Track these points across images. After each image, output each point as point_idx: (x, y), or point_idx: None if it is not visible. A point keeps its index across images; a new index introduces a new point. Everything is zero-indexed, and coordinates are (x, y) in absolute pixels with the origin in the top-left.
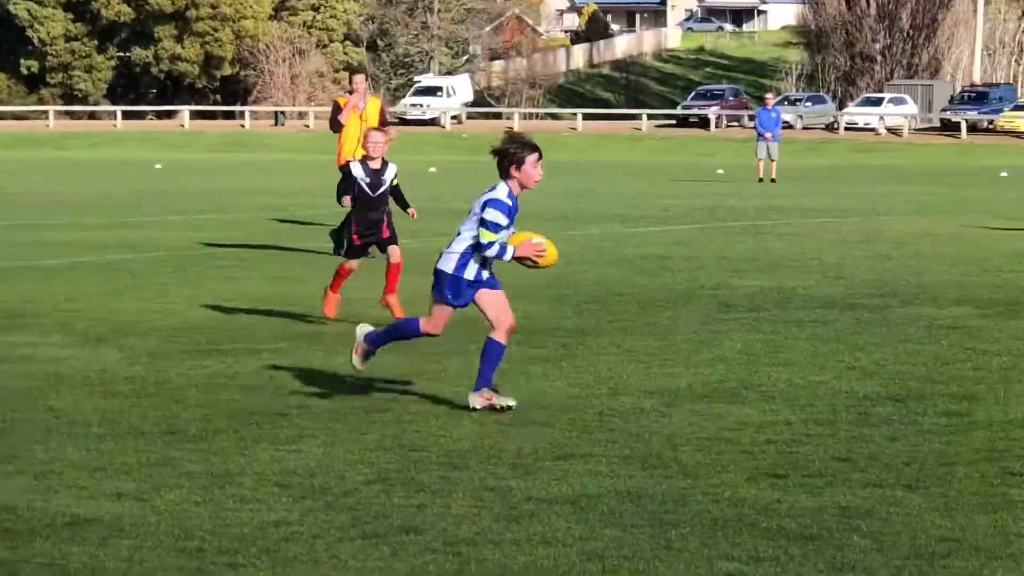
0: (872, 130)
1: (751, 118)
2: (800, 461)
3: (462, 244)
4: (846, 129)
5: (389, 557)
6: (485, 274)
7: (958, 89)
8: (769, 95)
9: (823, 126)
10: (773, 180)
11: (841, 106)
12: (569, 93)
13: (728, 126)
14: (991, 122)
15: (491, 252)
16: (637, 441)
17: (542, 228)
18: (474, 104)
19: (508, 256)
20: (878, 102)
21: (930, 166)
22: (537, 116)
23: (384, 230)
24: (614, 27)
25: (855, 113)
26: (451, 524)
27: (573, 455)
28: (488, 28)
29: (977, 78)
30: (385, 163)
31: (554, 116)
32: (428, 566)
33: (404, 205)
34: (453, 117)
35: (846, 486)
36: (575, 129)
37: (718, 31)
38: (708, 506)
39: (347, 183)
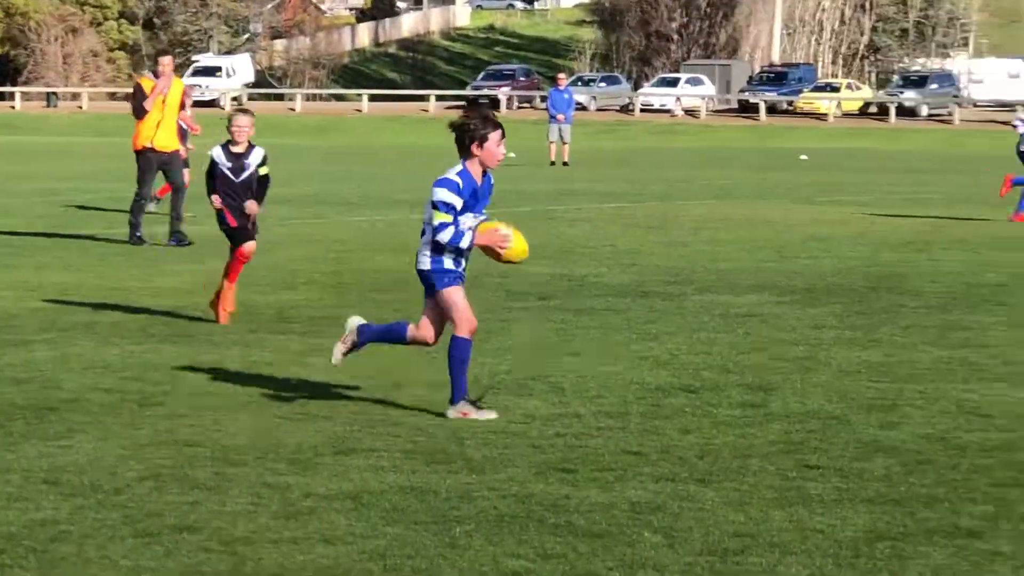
0: (668, 112)
1: (543, 99)
2: (590, 455)
3: (429, 240)
4: (641, 111)
5: (162, 556)
6: (463, 267)
7: (757, 69)
8: (562, 75)
9: (618, 108)
10: (566, 163)
11: (636, 87)
12: (354, 73)
13: (519, 107)
14: (790, 103)
15: (443, 236)
16: (421, 435)
17: (326, 213)
18: (255, 85)
19: (465, 242)
20: (674, 83)
21: (728, 149)
22: (321, 97)
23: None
24: (401, 5)
25: (651, 94)
26: (227, 522)
27: (355, 450)
28: (269, 6)
29: (776, 58)
30: (251, 147)
31: (338, 97)
32: (202, 566)
33: (259, 198)
34: (233, 98)
35: (637, 480)
36: (360, 111)
37: (508, 9)
38: (494, 502)
39: (211, 174)
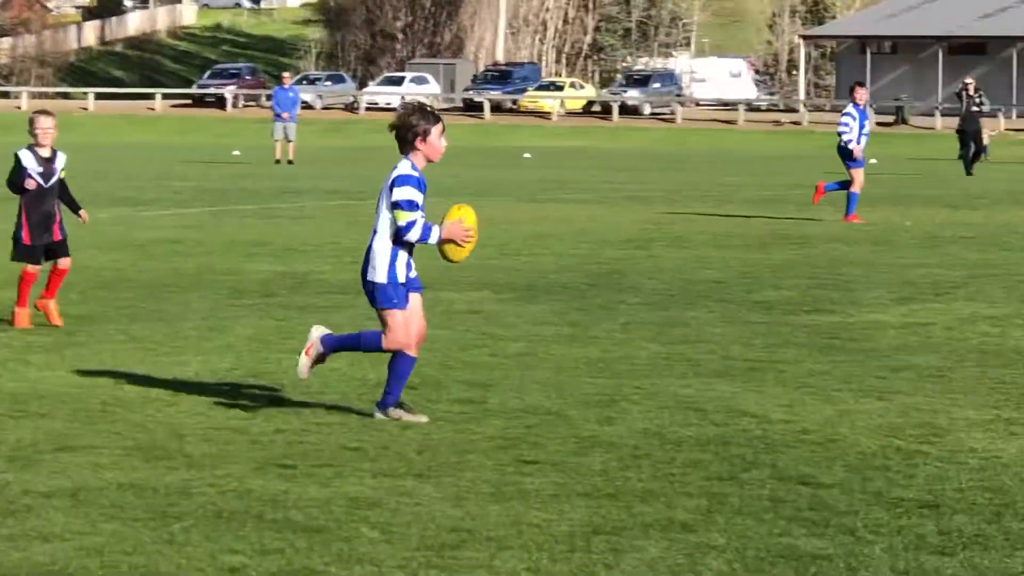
0: (393, 110)
1: (268, 98)
2: (310, 451)
3: (385, 243)
4: (367, 109)
5: None
6: (412, 272)
7: (481, 68)
8: (287, 74)
9: (343, 106)
10: (291, 161)
11: (362, 85)
12: (81, 72)
13: (245, 106)
14: (515, 102)
15: (413, 235)
16: (141, 431)
17: None
18: None
19: (434, 238)
20: (399, 81)
21: (453, 147)
22: (47, 95)
23: (56, 231)
24: (127, 3)
25: (376, 93)
26: None
27: (74, 447)
28: None
29: (500, 57)
30: (55, 151)
31: (65, 95)
32: None
33: (74, 206)
34: None
35: (356, 476)
36: (87, 109)
37: (235, 8)
38: (213, 498)
39: (17, 175)
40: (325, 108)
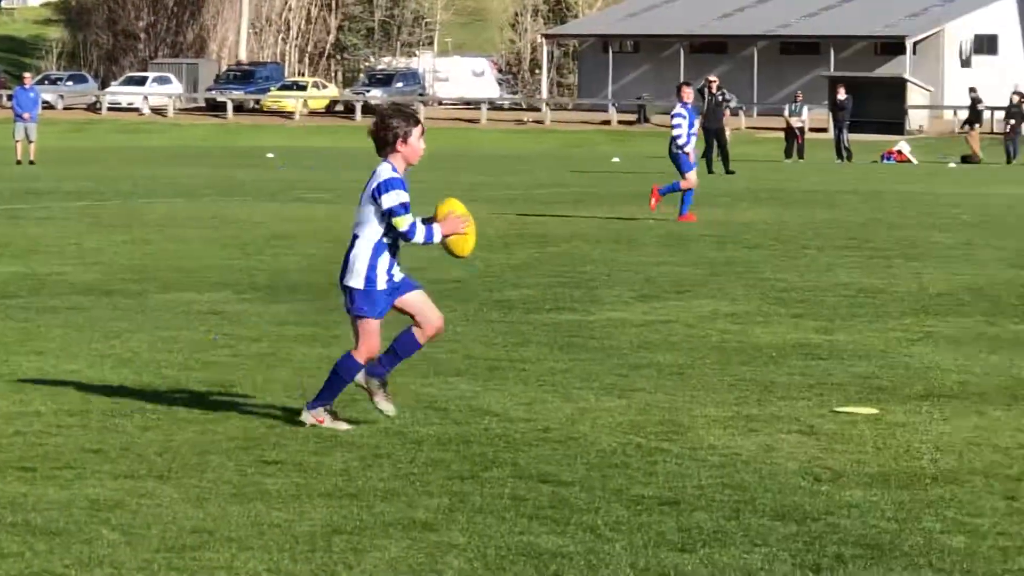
0: (136, 110)
1: (9, 98)
2: (50, 453)
3: (364, 251)
4: (109, 109)
5: None
6: (397, 275)
7: (224, 68)
8: (28, 74)
9: (85, 106)
10: (32, 162)
11: (104, 85)
12: None
13: None
14: (258, 102)
15: (419, 238)
16: None
17: None
18: None
19: (438, 236)
20: (142, 81)
21: (195, 147)
22: None
23: None
24: None
25: (118, 93)
26: None
27: None
28: None
29: (243, 56)
30: None
31: None
32: None
33: None
34: None
35: (96, 478)
36: None
37: None
38: None
39: None
40: (67, 108)
